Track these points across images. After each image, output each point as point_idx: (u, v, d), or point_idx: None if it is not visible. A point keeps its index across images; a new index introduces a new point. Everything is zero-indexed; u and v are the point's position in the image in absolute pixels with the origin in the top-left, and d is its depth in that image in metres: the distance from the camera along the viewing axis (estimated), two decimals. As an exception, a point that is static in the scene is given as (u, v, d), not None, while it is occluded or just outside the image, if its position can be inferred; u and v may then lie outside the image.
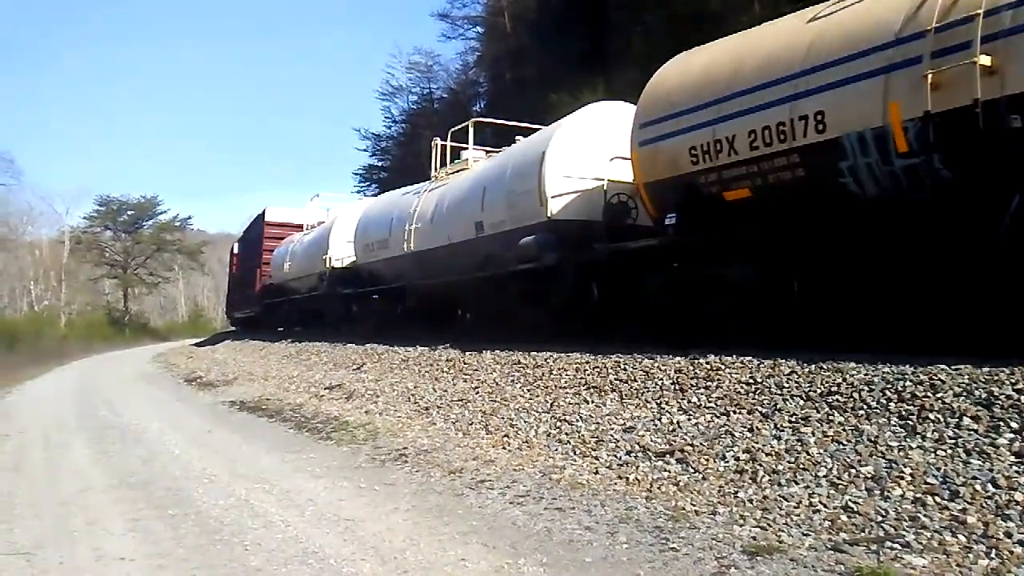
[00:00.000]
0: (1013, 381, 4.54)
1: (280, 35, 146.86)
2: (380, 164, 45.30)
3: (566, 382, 7.65)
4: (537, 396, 7.58)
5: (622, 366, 7.38)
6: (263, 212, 27.82)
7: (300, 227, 24.51)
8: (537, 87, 26.15)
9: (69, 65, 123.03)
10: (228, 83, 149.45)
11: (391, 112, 44.94)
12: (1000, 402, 4.40)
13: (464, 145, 14.77)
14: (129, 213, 60.03)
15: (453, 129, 15.09)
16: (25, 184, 79.15)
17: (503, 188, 11.46)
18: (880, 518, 3.80)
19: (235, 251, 34.95)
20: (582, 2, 27.25)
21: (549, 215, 10.29)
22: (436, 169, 15.23)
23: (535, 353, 8.94)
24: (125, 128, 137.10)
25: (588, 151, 10.37)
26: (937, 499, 3.80)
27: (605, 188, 9.75)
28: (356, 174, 46.68)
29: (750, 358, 6.37)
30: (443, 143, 15.25)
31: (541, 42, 29.30)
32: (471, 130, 14.60)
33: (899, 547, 3.52)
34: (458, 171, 14.43)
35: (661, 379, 6.70)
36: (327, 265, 18.79)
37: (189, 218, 63.17)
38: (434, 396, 8.80)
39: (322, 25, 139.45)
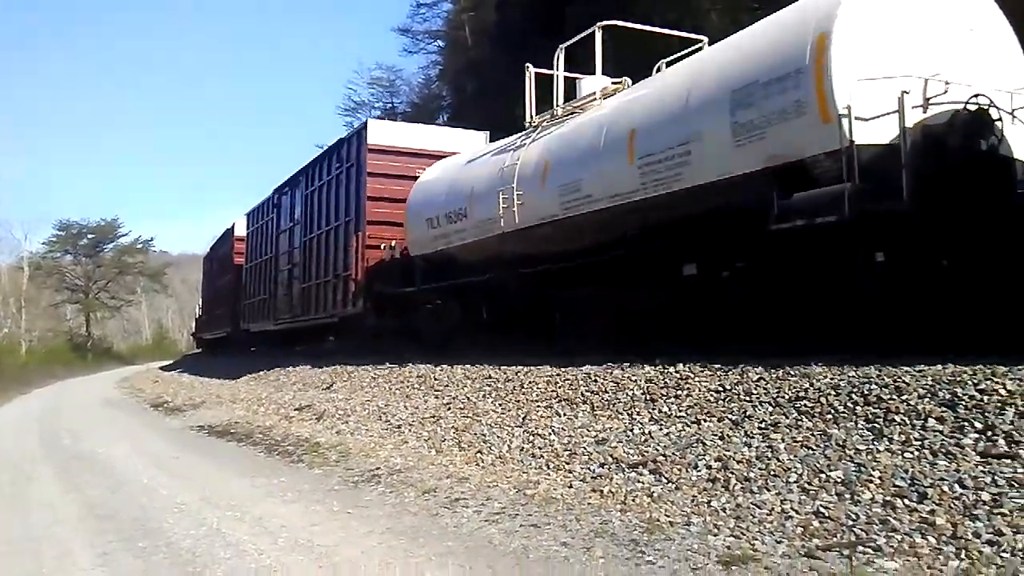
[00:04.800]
0: (975, 381, 4.62)
1: (242, 52, 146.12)
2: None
3: (537, 395, 7.66)
4: (509, 410, 7.57)
5: (592, 377, 7.40)
6: (359, 130, 16.01)
7: (435, 156, 14.41)
8: (500, 99, 26.22)
9: (23, 89, 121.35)
10: (186, 102, 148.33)
11: (353, 128, 44.90)
12: (964, 403, 4.47)
13: None
14: (89, 237, 59.49)
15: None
16: (-19, 211, 77.63)
17: None
18: (851, 522, 3.84)
19: (245, 230, 24.58)
20: (541, 15, 27.41)
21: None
22: None
23: (506, 367, 8.93)
24: (84, 151, 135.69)
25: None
26: (906, 501, 3.85)
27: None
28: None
29: (719, 366, 6.42)
30: None
31: (502, 55, 29.40)
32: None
33: (871, 551, 3.55)
34: None
35: (632, 389, 6.73)
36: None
37: (151, 240, 62.95)
38: (406, 414, 8.76)
39: (284, 41, 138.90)
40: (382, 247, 14.52)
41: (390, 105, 43.36)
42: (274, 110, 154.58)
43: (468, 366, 9.66)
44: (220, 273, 29.70)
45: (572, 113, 10.35)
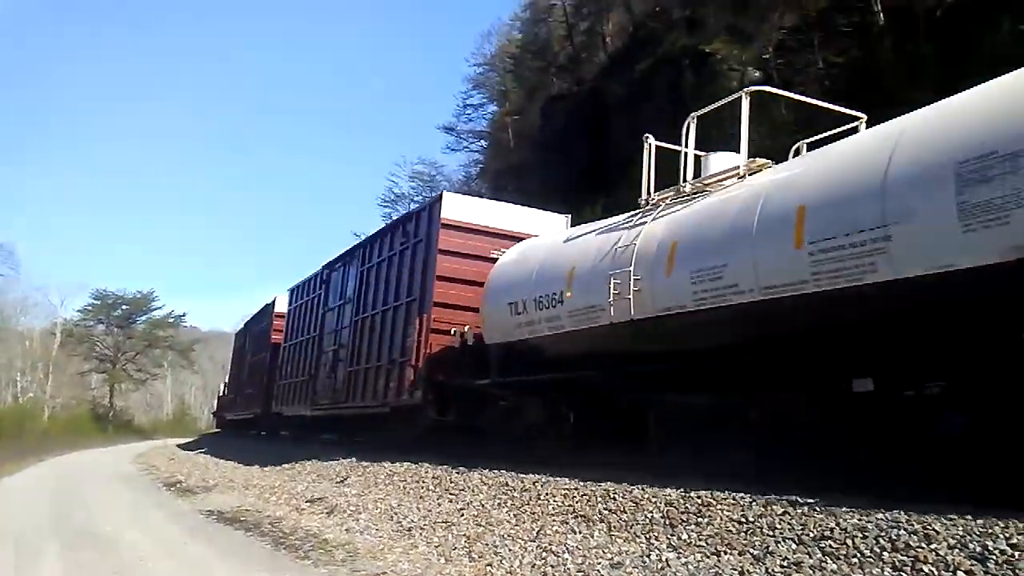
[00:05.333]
0: (1007, 535, 4.45)
1: (284, 138, 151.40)
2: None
3: (554, 508, 7.49)
4: (524, 522, 7.39)
5: (611, 495, 7.24)
6: (431, 203, 14.75)
7: (512, 237, 13.24)
8: (540, 201, 26.66)
9: (72, 159, 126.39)
10: (229, 183, 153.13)
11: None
12: (994, 557, 4.29)
13: None
14: (123, 308, 60.43)
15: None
16: (22, 275, 78.95)
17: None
18: None
19: (287, 306, 23.36)
20: (584, 121, 28.18)
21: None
22: None
23: (523, 476, 8.78)
24: (125, 224, 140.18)
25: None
26: (933, 662, 3.66)
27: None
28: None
29: (742, 494, 6.25)
30: None
31: (543, 158, 30.11)
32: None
33: None
34: None
35: (651, 511, 6.56)
36: None
37: (183, 315, 63.54)
38: (417, 516, 8.58)
39: (325, 131, 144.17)
40: (452, 332, 13.05)
41: (429, 199, 44.43)
42: (313, 200, 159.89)
43: (485, 471, 9.51)
44: (254, 351, 28.22)
45: (702, 191, 8.94)
